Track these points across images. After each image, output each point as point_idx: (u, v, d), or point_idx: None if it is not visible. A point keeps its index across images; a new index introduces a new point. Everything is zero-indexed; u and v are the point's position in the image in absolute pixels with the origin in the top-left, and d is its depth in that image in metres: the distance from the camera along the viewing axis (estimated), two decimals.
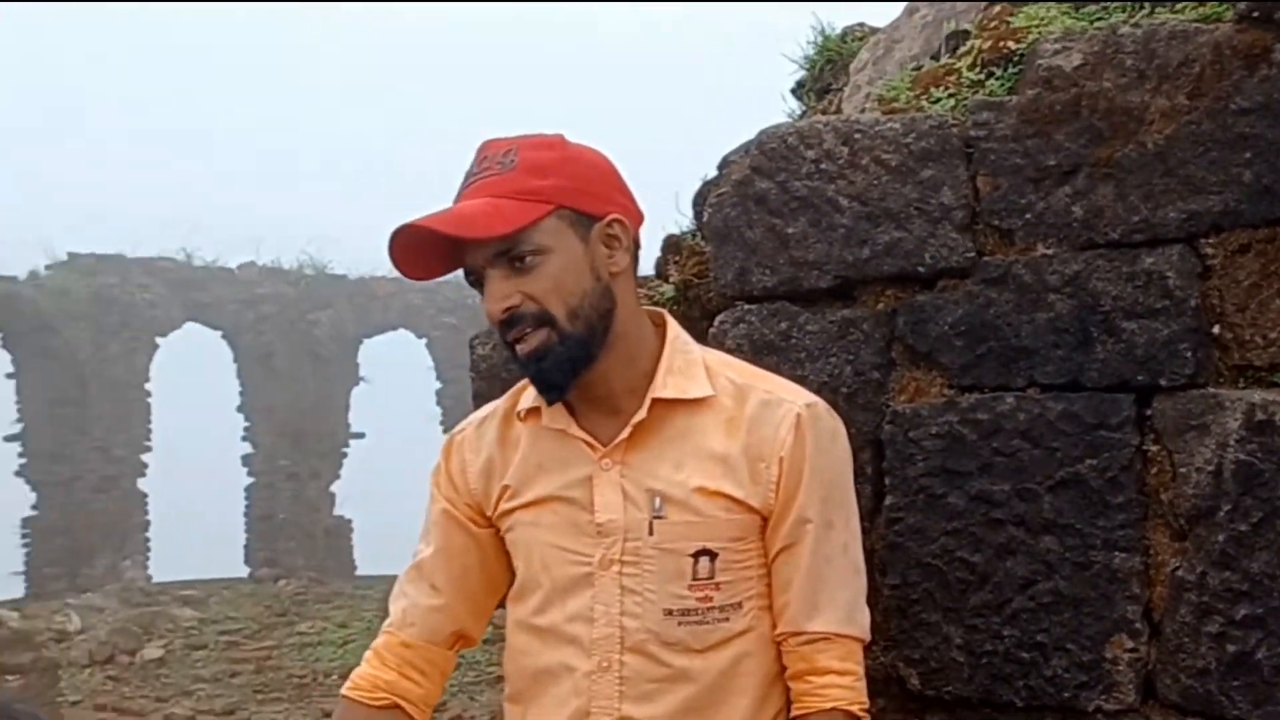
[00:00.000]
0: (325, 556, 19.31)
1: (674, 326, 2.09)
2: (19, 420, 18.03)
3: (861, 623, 2.03)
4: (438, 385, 20.32)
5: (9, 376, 18.00)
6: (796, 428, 1.97)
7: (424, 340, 20.47)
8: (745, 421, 1.99)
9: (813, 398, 2.05)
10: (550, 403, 2.03)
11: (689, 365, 2.03)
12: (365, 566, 19.53)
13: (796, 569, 1.99)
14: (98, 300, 17.96)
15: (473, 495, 2.16)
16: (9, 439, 17.96)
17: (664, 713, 1.99)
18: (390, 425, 21.31)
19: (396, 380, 21.11)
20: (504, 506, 2.11)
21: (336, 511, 20.09)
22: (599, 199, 2.00)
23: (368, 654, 2.21)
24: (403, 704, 2.15)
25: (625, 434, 2.01)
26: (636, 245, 2.06)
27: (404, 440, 21.46)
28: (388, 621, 2.21)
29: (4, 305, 16.92)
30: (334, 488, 20.12)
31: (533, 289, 1.94)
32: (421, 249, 1.97)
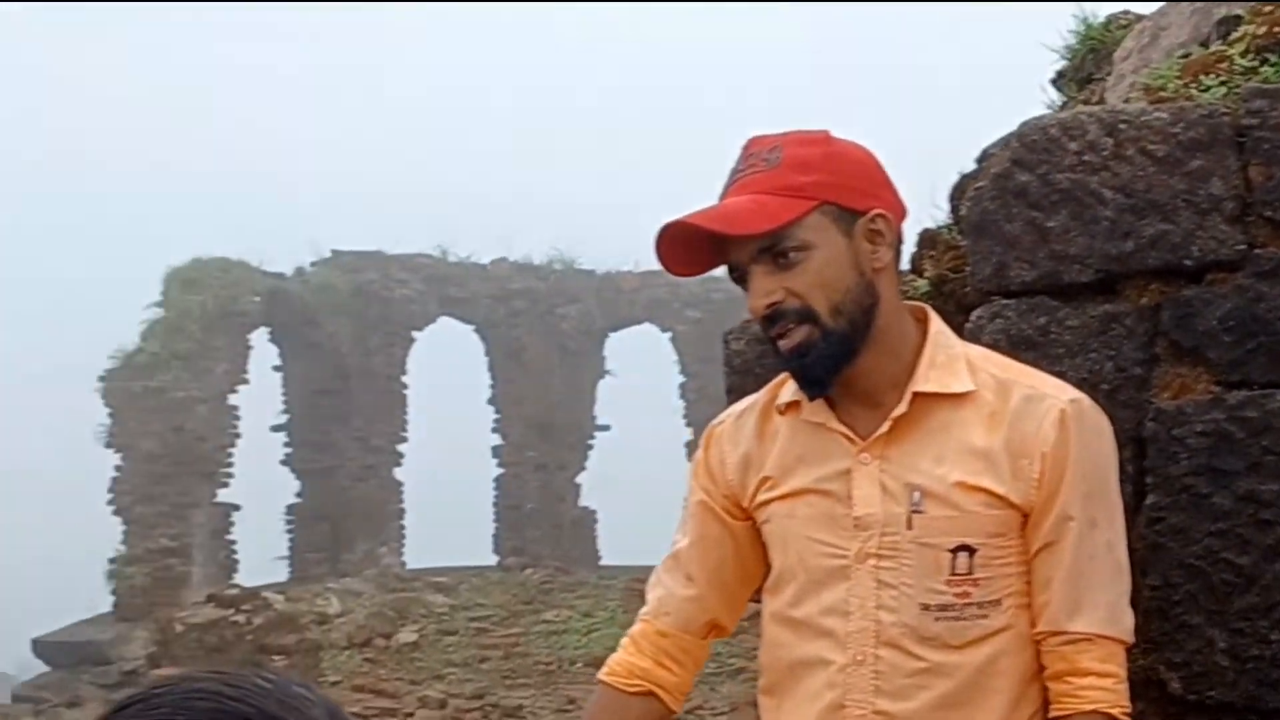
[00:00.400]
0: (570, 546, 19.64)
1: (936, 321, 2.08)
2: (284, 411, 18.73)
3: (1125, 624, 1.99)
4: (681, 379, 20.48)
5: (275, 369, 18.72)
6: (1060, 424, 1.95)
7: (668, 334, 20.64)
8: (1008, 417, 1.97)
9: (1077, 393, 2.02)
10: (812, 398, 2.04)
11: (951, 360, 2.02)
12: (609, 556, 19.82)
13: (1058, 567, 1.96)
14: (359, 295, 18.58)
15: (730, 487, 2.18)
16: (275, 429, 18.68)
17: (919, 708, 1.98)
18: (634, 418, 21.58)
19: (641, 373, 21.35)
20: (761, 498, 2.13)
21: (581, 502, 20.42)
22: (862, 194, 2.00)
23: (624, 640, 2.25)
24: (657, 691, 2.18)
25: (885, 428, 2.00)
26: (899, 240, 2.06)
27: (647, 433, 21.72)
28: (644, 610, 2.25)
29: (272, 300, 17.58)
30: (579, 479, 20.46)
31: (796, 285, 1.96)
32: (688, 245, 2.01)
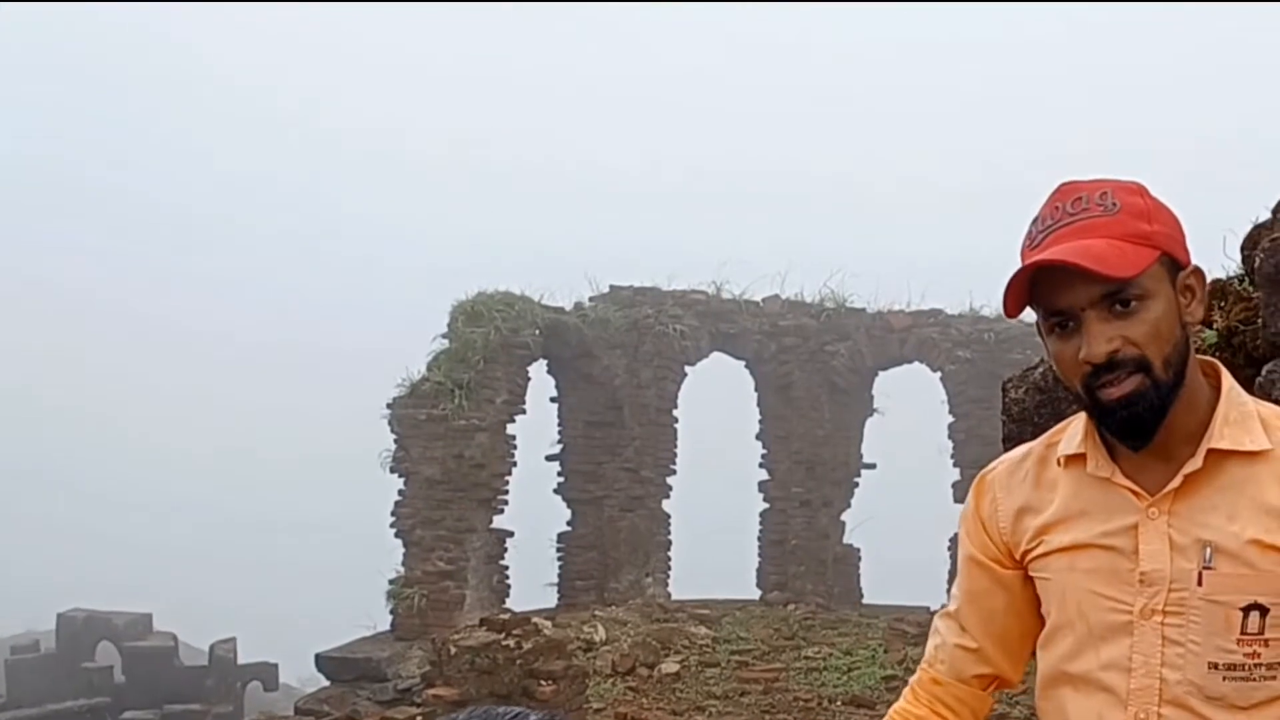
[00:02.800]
0: (833, 583, 19.61)
1: (1228, 377, 2.06)
2: (559, 441, 19.06)
3: None
4: (950, 419, 20.26)
5: (552, 400, 19.07)
6: None
7: (938, 374, 20.45)
8: None
9: None
10: (1135, 449, 2.01)
11: (1244, 417, 2.00)
12: (871, 595, 19.75)
13: None
14: (634, 329, 18.85)
15: (1001, 535, 2.18)
16: (549, 458, 18.99)
17: None
18: (901, 458, 21.43)
19: (908, 412, 21.18)
20: (1038, 550, 2.12)
21: (845, 540, 20.36)
22: (1184, 249, 1.99)
23: (905, 690, 2.30)
24: None
25: (1176, 483, 1.98)
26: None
27: (914, 473, 21.53)
28: (924, 659, 2.30)
29: (552, 334, 17.90)
30: (844, 516, 20.41)
31: (1135, 334, 1.93)
32: (1019, 285, 1.98)
